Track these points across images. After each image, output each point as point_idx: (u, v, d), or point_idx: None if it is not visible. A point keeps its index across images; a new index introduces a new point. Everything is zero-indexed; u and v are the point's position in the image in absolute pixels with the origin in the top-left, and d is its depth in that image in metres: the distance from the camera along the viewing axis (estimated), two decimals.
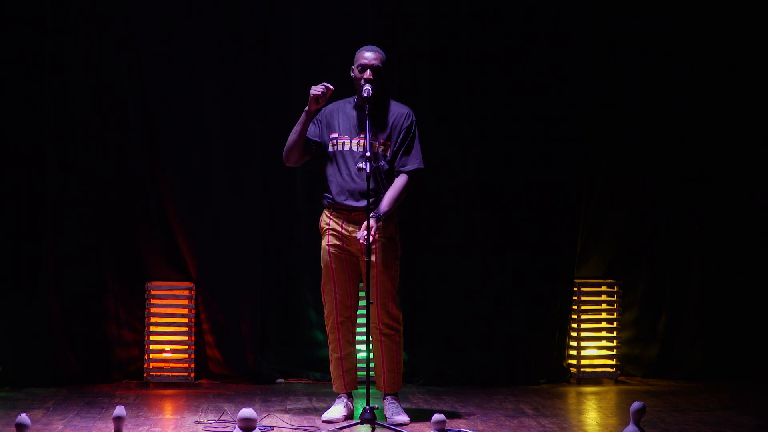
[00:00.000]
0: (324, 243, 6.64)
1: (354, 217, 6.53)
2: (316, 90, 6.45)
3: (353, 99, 6.70)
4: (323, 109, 6.67)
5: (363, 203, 6.47)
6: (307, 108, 6.52)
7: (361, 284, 6.65)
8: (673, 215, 8.41)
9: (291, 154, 6.65)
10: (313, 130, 6.65)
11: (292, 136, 6.60)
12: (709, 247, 8.41)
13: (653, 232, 8.42)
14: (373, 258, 6.49)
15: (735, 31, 8.37)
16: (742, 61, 8.39)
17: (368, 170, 6.33)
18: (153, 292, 7.88)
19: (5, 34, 7.72)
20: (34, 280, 7.77)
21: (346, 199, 6.57)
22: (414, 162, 6.62)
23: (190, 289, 7.93)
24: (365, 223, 6.37)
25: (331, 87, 6.47)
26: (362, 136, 6.49)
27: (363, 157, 6.37)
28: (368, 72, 6.53)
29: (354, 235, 6.53)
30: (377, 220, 6.40)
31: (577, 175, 8.26)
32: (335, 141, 6.59)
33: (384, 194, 6.53)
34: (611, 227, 8.42)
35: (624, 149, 8.37)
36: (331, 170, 6.63)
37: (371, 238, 6.34)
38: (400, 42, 8.02)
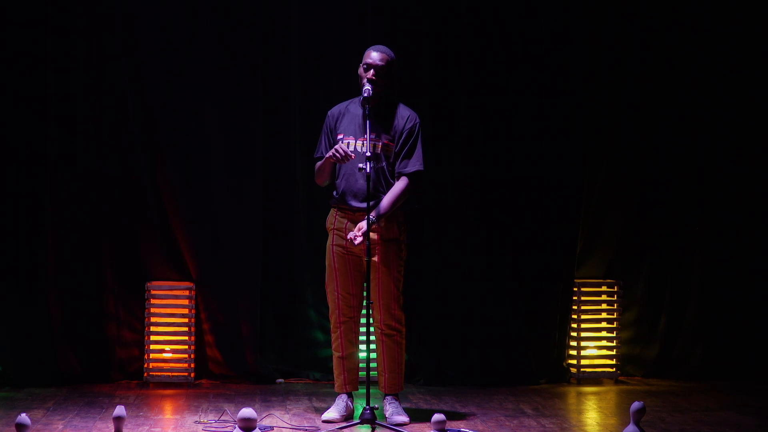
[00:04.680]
0: (329, 242, 6.65)
1: (358, 217, 6.54)
2: (338, 155, 6.43)
3: (358, 98, 6.70)
4: (330, 114, 6.68)
5: (372, 202, 6.51)
6: (328, 155, 6.53)
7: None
8: (673, 215, 8.42)
9: (320, 177, 6.70)
10: (328, 145, 6.67)
11: (320, 170, 6.66)
12: (709, 247, 8.42)
13: (653, 232, 8.42)
14: (375, 258, 6.52)
15: (735, 31, 8.37)
16: (743, 61, 8.39)
17: (368, 170, 6.34)
18: (153, 292, 7.88)
19: (6, 34, 7.72)
20: (34, 280, 7.77)
21: (351, 200, 6.57)
22: (414, 164, 6.63)
23: (190, 289, 7.93)
24: (360, 224, 6.41)
25: (353, 155, 6.45)
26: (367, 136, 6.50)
27: (366, 157, 6.38)
28: (371, 72, 6.55)
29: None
30: (370, 223, 6.41)
31: (578, 175, 8.26)
32: (340, 141, 6.59)
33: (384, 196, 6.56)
34: (611, 227, 8.43)
35: (624, 149, 8.37)
36: (337, 170, 6.63)
37: (357, 239, 6.37)
38: (400, 42, 8.00)
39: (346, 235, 6.57)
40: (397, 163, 6.63)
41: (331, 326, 6.70)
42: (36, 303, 7.76)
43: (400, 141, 6.64)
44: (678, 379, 8.32)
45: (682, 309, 8.44)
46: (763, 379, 8.26)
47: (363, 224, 6.41)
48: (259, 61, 8.03)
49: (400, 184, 6.59)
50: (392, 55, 6.62)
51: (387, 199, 6.53)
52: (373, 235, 6.49)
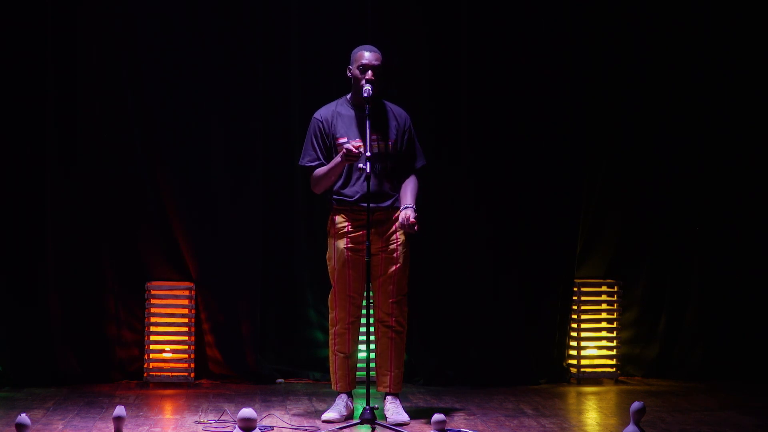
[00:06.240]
0: (342, 245, 6.61)
1: (378, 216, 6.55)
2: (355, 152, 6.38)
3: (343, 100, 6.70)
4: (322, 119, 6.66)
5: (385, 203, 6.58)
6: (341, 161, 6.49)
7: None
8: (673, 215, 8.42)
9: (323, 183, 6.62)
10: (325, 155, 6.63)
11: (326, 177, 6.57)
12: (708, 248, 8.41)
13: (653, 232, 8.42)
14: (395, 255, 6.57)
15: (736, 31, 8.37)
16: (743, 61, 8.39)
17: (368, 170, 6.34)
18: (153, 292, 7.88)
19: (6, 33, 7.72)
20: (34, 280, 7.77)
21: (369, 200, 6.54)
22: (420, 160, 6.74)
23: (190, 289, 7.93)
24: (404, 212, 6.49)
25: (362, 145, 6.41)
26: (373, 136, 6.50)
27: (366, 157, 6.38)
28: (370, 73, 6.54)
29: (373, 237, 6.53)
30: (414, 211, 6.50)
31: (578, 175, 8.26)
32: (360, 149, 6.53)
33: (400, 193, 6.62)
34: (611, 227, 8.43)
35: (624, 149, 8.37)
36: (347, 173, 6.60)
37: (414, 225, 6.44)
38: (400, 42, 8.03)
39: (364, 238, 6.52)
40: (405, 162, 6.67)
41: (337, 328, 6.67)
42: (36, 303, 7.76)
43: (405, 139, 6.66)
44: (678, 379, 8.32)
45: (682, 309, 8.44)
46: (763, 379, 8.26)
47: (409, 213, 6.48)
48: (259, 61, 8.03)
49: (414, 180, 6.67)
50: (381, 52, 6.63)
51: (411, 195, 6.60)
52: (401, 234, 6.58)
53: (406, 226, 6.49)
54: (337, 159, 6.50)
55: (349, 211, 6.62)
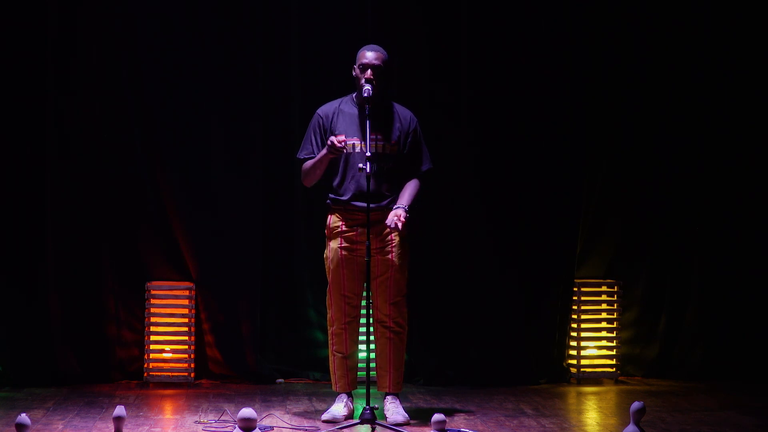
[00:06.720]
0: (335, 245, 6.62)
1: (371, 216, 6.53)
2: (338, 145, 6.41)
3: (349, 98, 6.70)
4: (323, 114, 6.67)
5: (381, 203, 6.56)
6: (326, 153, 6.50)
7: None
8: (673, 216, 8.42)
9: (311, 177, 6.64)
10: (320, 145, 6.64)
11: (313, 169, 6.59)
12: (708, 248, 8.41)
13: (653, 233, 8.42)
14: (390, 256, 6.56)
15: (736, 31, 8.37)
16: (743, 61, 8.39)
17: (368, 170, 6.34)
18: (153, 292, 7.88)
19: (6, 33, 7.72)
20: (34, 279, 7.77)
21: (363, 201, 6.53)
22: (426, 163, 6.71)
23: (190, 289, 7.93)
24: (394, 210, 6.47)
25: (344, 139, 6.45)
26: (372, 136, 6.50)
27: (366, 157, 6.38)
28: (369, 72, 6.54)
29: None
30: (405, 211, 6.47)
31: (578, 175, 8.26)
32: (344, 144, 6.55)
33: (399, 194, 6.60)
34: (611, 227, 8.42)
35: (624, 149, 8.37)
36: (342, 172, 6.62)
37: (399, 225, 6.40)
38: (400, 42, 8.02)
39: (357, 238, 6.54)
40: (409, 165, 6.66)
41: (334, 328, 6.68)
42: (36, 303, 7.76)
43: (408, 142, 6.66)
44: (678, 379, 8.32)
45: (682, 309, 8.44)
46: (763, 379, 8.26)
47: (399, 212, 6.45)
48: (259, 61, 8.03)
49: (415, 183, 6.65)
50: (386, 53, 6.62)
51: (408, 195, 6.59)
52: (395, 235, 6.56)
53: (392, 226, 6.46)
54: (323, 152, 6.52)
55: (343, 211, 6.62)
